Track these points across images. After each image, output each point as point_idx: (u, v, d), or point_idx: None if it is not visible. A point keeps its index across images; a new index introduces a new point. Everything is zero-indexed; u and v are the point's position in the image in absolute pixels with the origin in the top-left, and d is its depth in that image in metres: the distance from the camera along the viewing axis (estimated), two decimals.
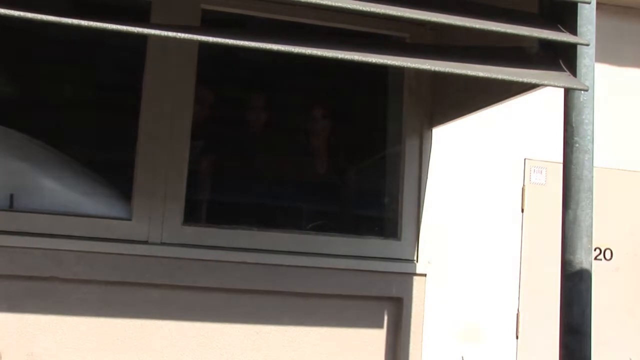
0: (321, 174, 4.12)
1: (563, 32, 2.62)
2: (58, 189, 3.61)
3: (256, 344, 3.67)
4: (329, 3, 2.39)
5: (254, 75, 3.97)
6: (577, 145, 2.58)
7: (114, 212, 3.63)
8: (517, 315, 4.55)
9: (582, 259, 2.53)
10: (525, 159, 4.55)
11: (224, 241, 3.68)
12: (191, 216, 3.70)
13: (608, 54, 4.62)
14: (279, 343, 3.70)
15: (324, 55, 2.47)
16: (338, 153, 4.17)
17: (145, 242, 3.57)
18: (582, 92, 2.57)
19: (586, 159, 2.57)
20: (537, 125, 4.49)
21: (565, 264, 2.57)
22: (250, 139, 4.06)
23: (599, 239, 4.56)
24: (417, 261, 3.91)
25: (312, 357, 3.73)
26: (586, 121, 2.58)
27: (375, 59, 2.53)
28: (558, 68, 2.62)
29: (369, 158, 4.16)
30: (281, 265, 3.69)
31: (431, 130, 4.00)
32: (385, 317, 3.85)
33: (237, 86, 4.01)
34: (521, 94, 3.06)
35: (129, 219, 3.58)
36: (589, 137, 2.58)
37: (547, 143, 4.32)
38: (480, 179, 4.50)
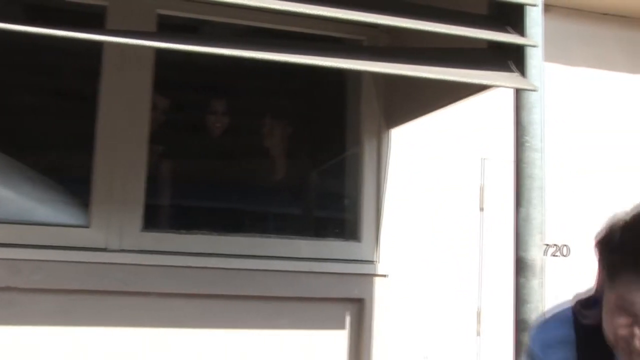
0: (281, 177, 4.13)
1: (512, 33, 2.68)
2: (12, 197, 3.57)
3: (217, 349, 3.67)
4: (281, 7, 2.40)
5: (212, 79, 3.96)
6: (527, 144, 2.63)
7: (71, 219, 3.60)
8: (478, 313, 4.61)
9: (534, 256, 2.58)
10: (483, 159, 4.60)
11: (184, 247, 3.67)
12: (150, 222, 3.69)
13: (558, 55, 4.71)
14: (241, 347, 3.70)
15: (279, 59, 2.49)
16: (297, 156, 4.18)
17: (104, 250, 3.54)
18: (532, 92, 2.62)
19: (537, 157, 2.62)
20: (495, 125, 4.54)
21: (518, 261, 2.62)
22: (209, 144, 4.05)
23: (557, 236, 4.66)
24: (377, 262, 3.94)
25: (275, 359, 3.75)
26: (536, 120, 2.63)
27: (330, 63, 2.56)
28: (508, 69, 2.68)
29: (328, 160, 4.18)
30: (242, 269, 3.69)
31: (389, 132, 4.03)
32: (347, 319, 3.88)
33: (195, 91, 4.00)
34: (474, 95, 3.11)
35: (87, 226, 3.56)
36: (539, 136, 2.64)
37: (505, 142, 4.38)
38: (440, 179, 4.54)
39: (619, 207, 1.45)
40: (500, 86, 2.68)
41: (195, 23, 3.81)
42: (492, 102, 4.16)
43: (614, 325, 1.31)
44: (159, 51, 3.53)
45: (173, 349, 3.59)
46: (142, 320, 3.54)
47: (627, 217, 1.35)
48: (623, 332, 1.29)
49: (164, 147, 3.86)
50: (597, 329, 1.38)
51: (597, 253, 1.38)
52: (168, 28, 3.72)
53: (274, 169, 4.14)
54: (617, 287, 1.28)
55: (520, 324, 2.60)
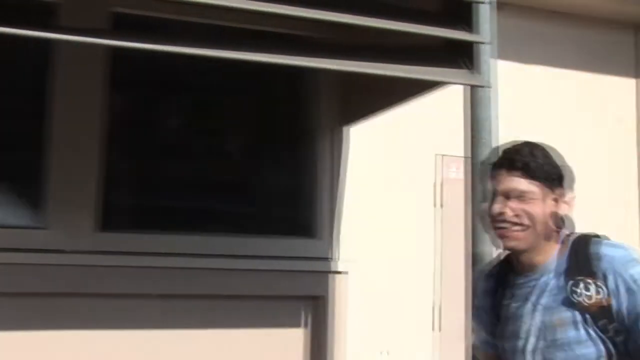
0: (237, 176, 4.11)
1: (463, 31, 2.72)
2: None
3: (178, 348, 3.65)
4: (230, 4, 2.41)
5: (168, 77, 3.92)
6: (480, 140, 2.67)
7: (28, 221, 3.54)
8: (435, 308, 4.67)
9: (488, 250, 2.63)
10: (440, 155, 4.66)
11: (142, 247, 3.64)
12: (108, 223, 3.65)
13: (512, 53, 4.80)
14: (201, 346, 3.69)
15: (233, 57, 2.50)
16: (253, 154, 4.17)
17: (62, 251, 3.49)
18: (484, 88, 2.67)
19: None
20: (450, 121, 4.61)
21: (473, 256, 2.66)
22: (166, 143, 4.01)
23: None
24: (336, 259, 3.96)
25: (233, 358, 3.73)
26: (488, 116, 2.68)
27: (284, 60, 2.58)
28: (460, 66, 2.72)
29: (285, 158, 4.18)
30: (200, 268, 3.68)
31: (343, 129, 4.05)
32: (308, 316, 3.89)
33: (152, 88, 3.95)
34: (428, 92, 3.15)
35: (44, 228, 3.51)
36: (492, 132, 2.69)
37: (460, 138, 4.45)
38: (397, 176, 4.58)
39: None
40: (452, 83, 2.73)
41: (149, 21, 3.77)
42: (448, 98, 4.21)
43: (490, 211, 1.84)
44: (114, 49, 3.49)
45: (133, 350, 3.56)
46: (101, 322, 3.51)
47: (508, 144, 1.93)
48: (493, 210, 1.82)
49: (121, 146, 3.82)
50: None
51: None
52: (123, 26, 3.68)
53: (230, 166, 4.12)
54: (494, 181, 1.84)
55: None
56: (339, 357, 3.85)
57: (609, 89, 5.31)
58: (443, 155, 4.67)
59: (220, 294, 3.71)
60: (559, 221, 1.82)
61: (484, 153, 2.64)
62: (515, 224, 1.80)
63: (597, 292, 1.70)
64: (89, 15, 3.51)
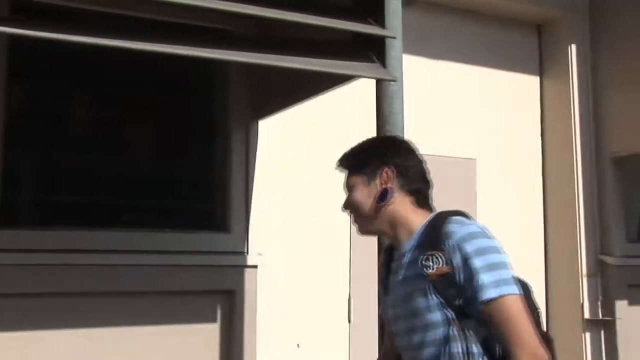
0: (147, 169, 4.02)
1: (373, 25, 2.74)
2: None
3: (86, 348, 3.54)
4: None
5: (74, 67, 3.78)
6: (388, 133, 2.70)
7: None
8: (349, 300, 4.71)
9: None
10: None
11: (43, 244, 3.51)
12: (7, 219, 3.49)
13: (421, 48, 4.89)
14: (111, 345, 3.59)
15: (142, 49, 2.44)
16: (164, 147, 4.09)
17: None
18: (392, 82, 2.70)
19: None
20: (362, 115, 4.66)
21: (382, 247, 2.69)
22: (70, 135, 3.87)
23: None
24: (247, 253, 3.93)
25: (146, 356, 3.65)
26: (396, 110, 2.72)
27: (194, 52, 2.54)
28: (369, 60, 2.75)
29: (197, 151, 4.12)
30: (106, 264, 3.58)
31: (257, 122, 4.03)
32: (219, 311, 3.85)
33: (55, 79, 3.79)
34: (338, 86, 3.17)
35: None
36: (399, 126, 2.72)
37: (369, 132, 4.50)
38: (309, 170, 4.59)
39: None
40: (361, 76, 2.75)
41: (53, 8, 3.62)
42: (358, 92, 4.25)
43: None
44: (13, 37, 3.34)
45: (35, 353, 3.43)
46: (3, 323, 3.35)
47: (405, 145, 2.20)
48: None
49: (21, 139, 3.66)
50: None
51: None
52: (23, 13, 3.52)
53: (140, 161, 4.02)
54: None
55: None
56: (250, 350, 3.84)
57: (513, 87, 5.49)
58: None
59: (129, 291, 3.62)
60: (381, 197, 2.06)
61: None
62: (351, 214, 2.14)
63: (439, 264, 1.92)
64: None
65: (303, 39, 2.97)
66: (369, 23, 2.79)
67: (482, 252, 1.91)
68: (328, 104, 4.10)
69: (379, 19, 2.76)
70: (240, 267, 3.88)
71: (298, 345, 4.50)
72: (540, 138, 5.59)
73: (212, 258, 3.84)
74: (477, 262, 1.89)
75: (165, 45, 2.50)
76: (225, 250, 3.91)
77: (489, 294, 1.86)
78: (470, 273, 1.89)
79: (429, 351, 1.95)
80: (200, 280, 3.76)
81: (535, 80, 5.63)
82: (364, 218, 2.11)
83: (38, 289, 3.41)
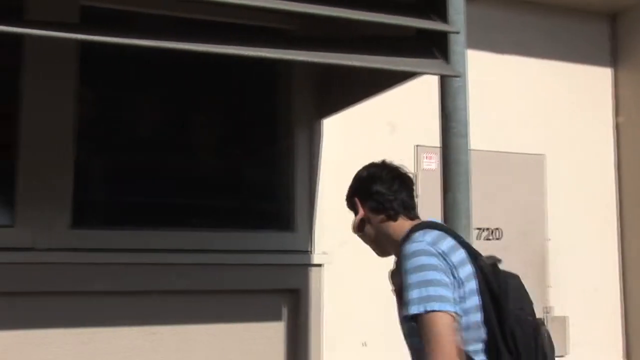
0: (213, 170, 4.07)
1: (435, 21, 2.70)
2: None
3: (153, 345, 3.61)
4: None
5: (142, 72, 3.86)
6: (453, 130, 2.66)
7: None
8: None
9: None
10: (416, 146, 4.64)
11: (115, 243, 3.59)
12: (79, 219, 3.59)
13: (484, 42, 4.79)
14: (177, 342, 3.66)
15: (207, 51, 2.45)
16: (229, 148, 4.13)
17: (31, 249, 3.44)
18: (456, 78, 2.65)
19: (462, 143, 2.65)
20: (427, 112, 4.60)
21: None
22: (140, 138, 3.96)
23: (489, 219, 4.74)
24: (312, 252, 3.93)
25: (212, 353, 3.70)
26: (461, 106, 2.66)
27: (256, 53, 2.53)
28: (432, 56, 2.70)
29: (262, 152, 4.15)
30: (175, 264, 3.64)
31: (321, 121, 4.03)
32: (284, 309, 3.87)
33: (124, 84, 3.89)
34: (401, 83, 3.12)
35: (12, 226, 3.45)
36: (463, 122, 2.67)
37: (437, 129, 4.44)
38: None
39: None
40: (424, 73, 2.70)
41: (119, 15, 3.71)
42: (425, 89, 4.20)
43: None
44: (84, 44, 3.43)
45: (106, 348, 3.52)
46: (73, 320, 3.46)
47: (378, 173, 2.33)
48: None
49: (92, 142, 3.76)
50: None
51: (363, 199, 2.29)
52: (92, 20, 3.62)
53: (206, 161, 4.08)
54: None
55: None
56: (315, 349, 3.84)
57: (583, 80, 5.32)
58: (420, 145, 4.66)
59: (196, 289, 3.68)
60: (358, 225, 2.33)
61: (456, 143, 2.63)
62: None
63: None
64: (57, 9, 3.45)
65: (365, 36, 2.95)
66: (432, 19, 2.74)
67: (415, 269, 2.00)
68: (392, 100, 4.06)
69: (442, 14, 2.71)
70: (306, 266, 3.89)
71: (364, 344, 4.48)
72: (613, 132, 5.40)
73: (278, 257, 3.86)
74: (409, 279, 1.99)
75: (230, 46, 2.51)
76: (290, 249, 3.93)
77: (413, 309, 1.95)
78: (405, 289, 2.00)
79: None
80: (266, 279, 3.79)
81: (607, 72, 5.44)
82: (365, 239, 2.36)
83: (107, 287, 3.50)
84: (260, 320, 3.79)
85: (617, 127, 5.39)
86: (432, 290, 1.97)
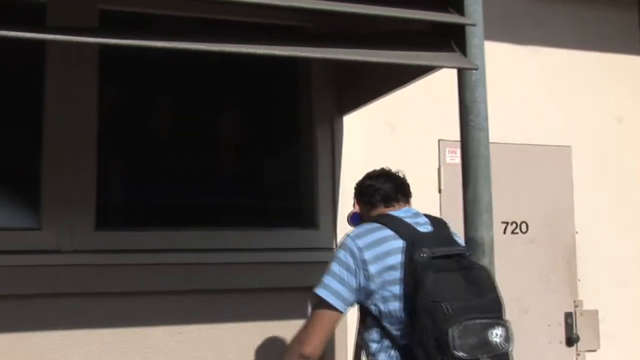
0: (234, 169, 4.08)
1: (452, 13, 2.67)
2: None
3: (180, 345, 3.63)
4: None
5: (161, 73, 3.89)
6: (472, 123, 2.63)
7: (21, 222, 3.53)
8: None
9: (483, 235, 2.59)
10: (439, 140, 4.61)
11: (140, 244, 3.62)
12: (104, 221, 3.63)
13: (507, 33, 4.72)
14: (203, 341, 3.67)
15: (225, 50, 2.45)
16: (250, 146, 4.14)
17: (57, 252, 3.48)
18: (474, 71, 2.62)
19: (481, 136, 2.63)
20: (449, 106, 4.56)
21: (469, 241, 2.62)
22: (160, 139, 3.99)
23: (514, 213, 4.69)
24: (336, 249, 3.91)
25: (237, 353, 3.72)
26: (479, 99, 2.63)
27: (272, 51, 2.52)
28: (449, 49, 2.67)
29: (283, 149, 4.15)
30: (200, 263, 3.66)
31: (342, 118, 4.01)
32: (309, 308, 3.85)
33: (144, 85, 3.92)
34: (420, 77, 3.10)
35: (38, 229, 3.49)
36: (483, 115, 2.64)
37: (453, 123, 4.40)
38: (396, 162, 4.52)
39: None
40: (441, 66, 2.68)
41: (138, 18, 3.74)
42: (447, 82, 4.17)
43: None
44: (104, 47, 3.46)
45: (135, 349, 3.55)
46: (99, 321, 3.49)
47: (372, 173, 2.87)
48: None
49: (114, 144, 3.80)
50: None
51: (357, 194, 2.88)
52: (111, 23, 3.66)
53: (227, 160, 4.10)
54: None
55: None
56: (340, 347, 3.82)
57: (611, 69, 5.22)
58: (443, 140, 4.62)
59: (220, 289, 3.69)
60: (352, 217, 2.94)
61: (475, 136, 2.60)
62: None
63: None
64: (76, 14, 3.49)
65: (381, 32, 2.93)
66: (448, 11, 2.71)
67: (334, 258, 2.57)
68: (421, 92, 4.03)
69: (458, 6, 2.67)
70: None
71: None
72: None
73: (301, 255, 3.85)
74: (329, 264, 2.57)
75: (244, 45, 2.51)
76: (314, 246, 3.92)
77: (315, 288, 2.55)
78: None
79: None
80: (289, 277, 3.78)
81: (636, 60, 5.32)
82: None
83: (132, 288, 3.53)
84: (285, 318, 3.78)
85: None
86: (327, 280, 2.51)
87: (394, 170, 2.84)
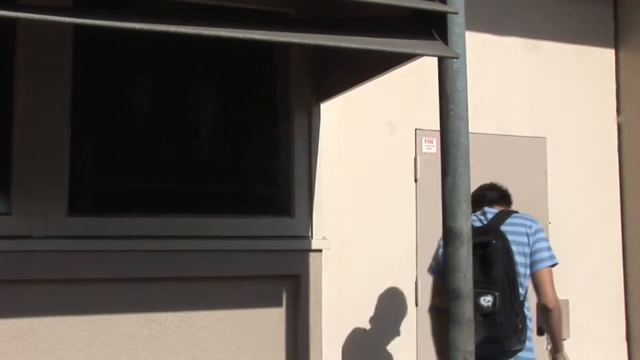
0: (210, 155, 4.03)
1: (433, 1, 2.64)
2: None
3: (153, 333, 3.60)
4: None
5: (137, 55, 3.81)
6: (452, 112, 2.61)
7: None
8: (416, 284, 4.64)
9: (462, 224, 2.58)
10: (416, 129, 4.61)
11: (112, 230, 3.57)
12: (77, 207, 3.57)
13: (486, 23, 4.73)
14: (177, 329, 3.64)
15: (202, 34, 2.40)
16: (226, 132, 4.09)
17: (29, 237, 3.42)
18: (455, 60, 2.60)
19: (461, 125, 2.61)
20: (426, 95, 4.56)
21: (447, 231, 2.61)
22: (135, 123, 3.92)
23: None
24: (312, 237, 3.90)
25: (211, 341, 3.69)
26: (460, 88, 2.61)
27: (250, 35, 2.48)
28: (431, 37, 2.64)
29: (259, 136, 4.10)
30: (173, 250, 3.62)
31: (319, 105, 3.99)
32: (284, 295, 3.84)
33: (119, 68, 3.84)
34: (400, 65, 3.08)
35: (9, 214, 3.42)
36: (463, 104, 2.62)
37: (436, 112, 4.40)
38: (373, 151, 4.53)
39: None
40: (422, 54, 2.65)
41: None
42: (425, 72, 4.16)
43: None
44: (78, 28, 3.40)
45: (107, 336, 3.50)
46: (72, 308, 3.44)
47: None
48: None
49: (88, 128, 3.72)
50: None
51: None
52: (85, 3, 3.58)
53: (203, 146, 4.04)
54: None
55: (452, 293, 2.60)
56: (316, 335, 3.82)
57: (585, 61, 5.26)
58: (420, 129, 4.62)
59: (194, 276, 3.65)
60: None
61: (455, 125, 2.58)
62: None
63: None
64: None
65: (361, 18, 2.90)
66: None
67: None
68: (389, 83, 4.02)
69: None
70: (305, 252, 3.85)
71: (365, 329, 4.48)
72: (615, 114, 5.35)
73: (277, 243, 3.83)
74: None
75: (226, 29, 2.46)
76: (289, 234, 3.90)
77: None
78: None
79: None
80: (265, 264, 3.76)
81: (609, 53, 5.38)
82: None
83: (105, 274, 3.48)
84: (260, 306, 3.77)
85: (619, 109, 5.34)
86: None
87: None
